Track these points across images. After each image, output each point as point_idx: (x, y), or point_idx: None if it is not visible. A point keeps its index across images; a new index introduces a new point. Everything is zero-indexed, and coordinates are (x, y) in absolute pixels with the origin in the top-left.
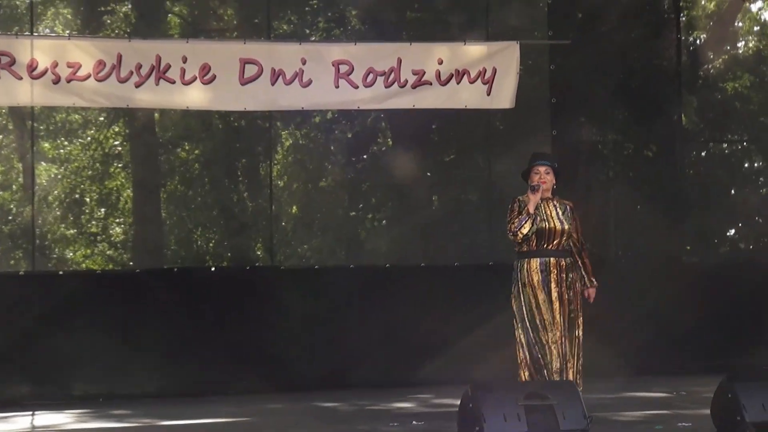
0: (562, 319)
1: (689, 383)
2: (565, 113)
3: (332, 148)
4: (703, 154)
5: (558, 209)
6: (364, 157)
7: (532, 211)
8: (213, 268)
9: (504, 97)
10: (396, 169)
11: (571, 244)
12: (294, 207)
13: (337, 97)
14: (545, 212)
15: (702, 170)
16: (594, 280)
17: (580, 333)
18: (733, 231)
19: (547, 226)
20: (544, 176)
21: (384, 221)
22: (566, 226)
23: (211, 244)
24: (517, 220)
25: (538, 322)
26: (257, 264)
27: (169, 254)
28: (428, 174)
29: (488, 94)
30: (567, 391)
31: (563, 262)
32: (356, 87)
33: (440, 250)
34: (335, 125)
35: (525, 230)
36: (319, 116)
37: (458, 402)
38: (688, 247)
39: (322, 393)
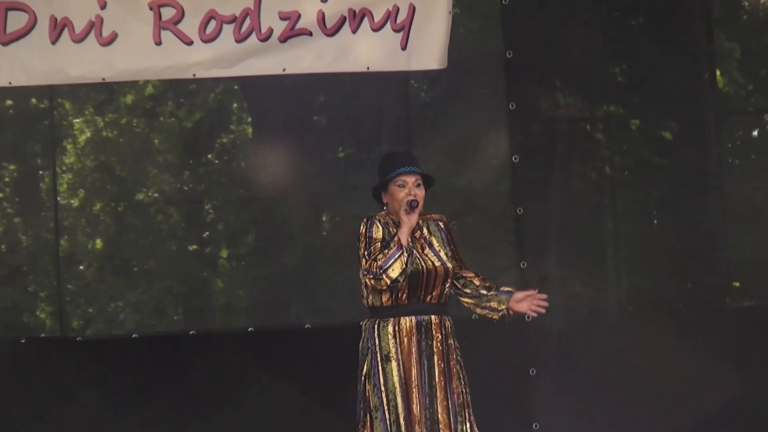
0: (449, 414)
1: None
2: (529, 75)
3: (156, 142)
4: (754, 133)
5: (433, 236)
6: (209, 156)
7: (405, 241)
8: None
9: (428, 52)
10: (260, 175)
11: (454, 280)
12: (98, 240)
13: (159, 59)
14: (417, 246)
15: (753, 159)
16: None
17: (474, 429)
18: None
19: (425, 267)
20: (413, 190)
21: (244, 260)
22: (449, 265)
23: None
24: (382, 255)
25: (403, 419)
26: (41, 335)
27: None
28: (312, 180)
29: (403, 49)
30: None
31: (448, 323)
32: (189, 43)
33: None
34: (159, 106)
35: (395, 272)
36: (132, 92)
37: None
38: (736, 284)
39: None
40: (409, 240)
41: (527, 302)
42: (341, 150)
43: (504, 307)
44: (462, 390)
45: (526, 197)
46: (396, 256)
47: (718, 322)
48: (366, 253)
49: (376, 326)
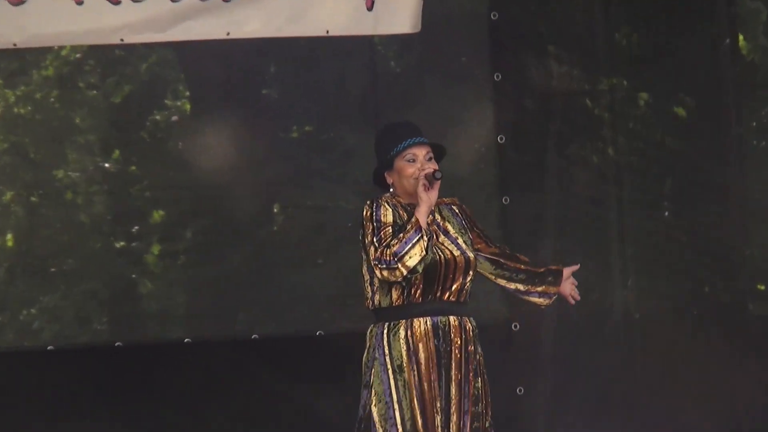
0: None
1: None
2: (518, 40)
3: (77, 120)
4: None
5: (447, 223)
6: (141, 135)
7: (424, 223)
8: None
9: (399, 14)
10: (199, 159)
11: (486, 263)
12: (8, 236)
13: (80, 21)
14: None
15: None
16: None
17: None
18: None
19: (442, 257)
20: (425, 164)
21: (180, 258)
22: (470, 254)
23: None
24: (396, 240)
25: None
26: None
27: None
28: (261, 165)
29: (369, 9)
30: None
31: (469, 325)
32: (116, 2)
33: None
34: (81, 77)
35: (414, 260)
36: (50, 61)
37: None
38: (761, 287)
39: None
40: (428, 222)
41: (570, 283)
42: (296, 129)
43: (556, 289)
44: (481, 411)
45: (514, 186)
46: (414, 241)
47: (739, 331)
48: (375, 240)
49: (385, 332)
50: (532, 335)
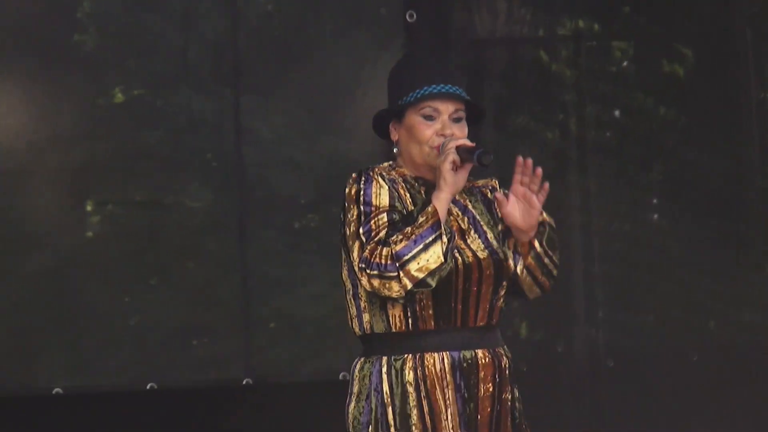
0: None
1: None
2: None
3: None
4: None
5: (477, 210)
6: None
7: (444, 215)
8: None
9: None
10: None
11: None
12: None
13: None
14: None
15: None
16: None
17: None
18: None
19: (462, 261)
20: (450, 127)
21: None
22: (502, 256)
23: None
24: (400, 235)
25: None
26: None
27: None
28: (70, 143)
29: None
30: None
31: (504, 359)
32: None
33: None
34: None
35: (426, 269)
36: None
37: None
38: None
39: None
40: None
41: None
42: (119, 91)
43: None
44: None
45: None
46: (428, 240)
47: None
48: (363, 231)
49: (384, 371)
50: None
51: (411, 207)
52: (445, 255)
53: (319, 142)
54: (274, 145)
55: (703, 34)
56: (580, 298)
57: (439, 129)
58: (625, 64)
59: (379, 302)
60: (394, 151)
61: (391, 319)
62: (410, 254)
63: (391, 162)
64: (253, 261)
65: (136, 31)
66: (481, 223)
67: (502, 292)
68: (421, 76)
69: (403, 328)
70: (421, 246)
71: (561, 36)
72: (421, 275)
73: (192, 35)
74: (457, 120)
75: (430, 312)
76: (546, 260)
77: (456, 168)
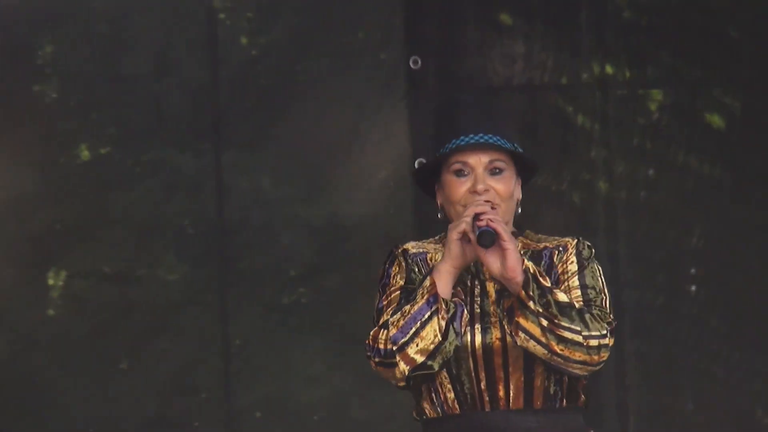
0: None
1: None
2: (448, 6)
3: None
4: None
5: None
6: None
7: (445, 287)
8: None
9: None
10: None
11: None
12: None
13: None
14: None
15: None
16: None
17: None
18: None
19: (472, 343)
20: (484, 181)
21: None
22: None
23: None
24: (399, 316)
25: None
26: None
27: None
28: (32, 208)
29: None
30: None
31: None
32: None
33: None
34: None
35: (422, 351)
36: None
37: None
38: None
39: None
40: (459, 286)
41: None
42: (85, 148)
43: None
44: None
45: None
46: (425, 317)
47: None
48: (375, 312)
49: None
50: None
51: (446, 288)
52: (442, 333)
53: (312, 204)
54: (260, 208)
55: (748, 80)
56: (608, 382)
57: (471, 186)
58: (658, 115)
59: (417, 386)
60: (438, 216)
61: (423, 402)
62: (407, 336)
63: (439, 237)
64: (235, 342)
65: (104, 79)
66: None
67: (539, 370)
68: (451, 127)
69: (433, 412)
70: (417, 325)
71: (586, 83)
72: (420, 358)
73: (167, 83)
74: (495, 172)
75: (452, 396)
76: (544, 321)
77: (466, 236)
